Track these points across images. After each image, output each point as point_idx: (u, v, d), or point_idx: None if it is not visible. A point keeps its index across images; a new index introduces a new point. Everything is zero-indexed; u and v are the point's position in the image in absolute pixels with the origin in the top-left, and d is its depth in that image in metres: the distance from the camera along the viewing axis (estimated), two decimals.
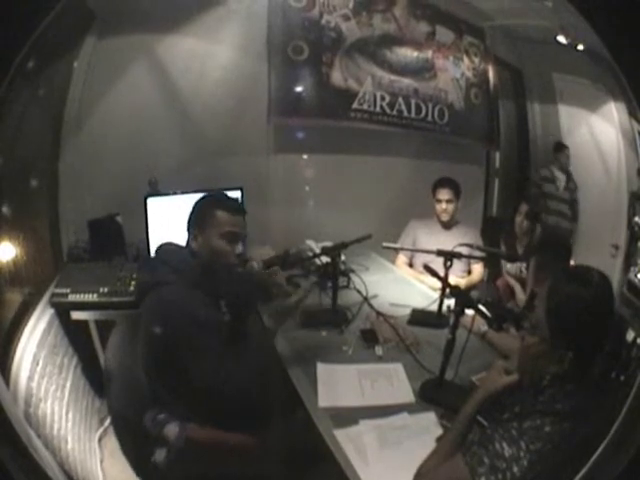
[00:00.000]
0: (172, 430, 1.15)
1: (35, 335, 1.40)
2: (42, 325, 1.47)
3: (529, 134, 2.37)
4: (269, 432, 1.22)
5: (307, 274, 1.67)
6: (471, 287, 1.97)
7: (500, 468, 0.81)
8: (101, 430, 1.60)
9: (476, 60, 2.29)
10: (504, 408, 0.91)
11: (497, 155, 2.39)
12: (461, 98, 2.22)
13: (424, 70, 2.16)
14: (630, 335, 1.56)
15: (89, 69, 1.78)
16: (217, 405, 1.16)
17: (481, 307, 1.22)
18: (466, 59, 2.26)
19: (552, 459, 0.81)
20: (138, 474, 1.27)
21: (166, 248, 1.29)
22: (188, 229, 1.26)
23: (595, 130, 2.20)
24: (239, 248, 1.25)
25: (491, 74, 2.32)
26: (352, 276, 1.74)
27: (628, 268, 1.91)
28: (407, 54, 2.14)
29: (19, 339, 1.32)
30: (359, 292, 1.67)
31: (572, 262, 1.58)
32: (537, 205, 2.18)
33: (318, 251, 1.67)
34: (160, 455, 1.16)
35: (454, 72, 2.22)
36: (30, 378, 1.28)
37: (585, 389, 0.84)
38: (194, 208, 1.27)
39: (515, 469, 0.80)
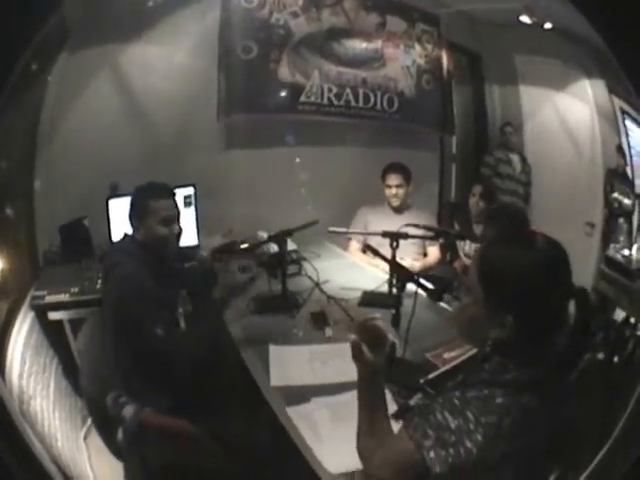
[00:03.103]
0: (128, 412, 1.32)
1: (21, 336, 1.59)
2: (25, 327, 1.66)
3: (487, 118, 2.48)
4: (220, 421, 1.37)
5: (259, 263, 1.82)
6: (427, 270, 2.11)
7: (449, 441, 0.77)
8: (85, 429, 1.73)
9: (429, 47, 2.42)
10: (448, 376, 0.96)
11: (453, 140, 2.51)
12: (412, 85, 2.36)
13: (373, 60, 2.31)
14: (619, 315, 1.64)
15: (61, 83, 1.95)
16: (170, 381, 1.35)
17: (421, 280, 1.33)
18: (418, 47, 2.39)
19: (522, 439, 0.77)
20: (114, 454, 1.47)
21: (122, 239, 1.53)
22: (130, 223, 1.48)
23: (563, 110, 2.29)
24: (176, 228, 1.48)
25: (445, 60, 2.45)
26: (304, 263, 1.90)
27: (607, 245, 1.99)
28: (356, 46, 2.28)
29: (9, 339, 1.51)
30: (310, 278, 1.83)
31: None
32: (491, 185, 2.31)
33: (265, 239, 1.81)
34: (120, 434, 1.34)
35: (404, 60, 2.36)
36: (20, 376, 1.46)
37: (541, 363, 0.80)
38: (131, 203, 1.49)
39: (468, 444, 0.76)
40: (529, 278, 0.80)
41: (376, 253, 1.62)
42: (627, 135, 1.95)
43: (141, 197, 1.47)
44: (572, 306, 0.83)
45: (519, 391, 0.78)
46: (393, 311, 1.48)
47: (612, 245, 1.97)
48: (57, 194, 2.00)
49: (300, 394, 1.23)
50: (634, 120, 1.84)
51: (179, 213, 1.50)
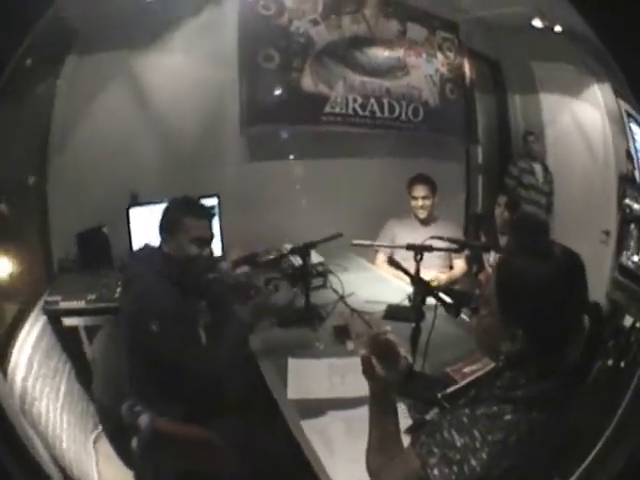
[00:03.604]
0: (143, 421, 1.30)
1: (30, 339, 1.59)
2: (36, 330, 1.66)
3: (510, 126, 2.46)
4: (234, 430, 1.34)
5: (284, 276, 1.80)
6: (453, 282, 2.07)
7: (454, 460, 0.76)
8: (95, 433, 1.72)
9: (450, 55, 2.41)
10: (460, 393, 0.93)
11: (479, 150, 2.48)
12: (436, 94, 2.35)
13: (396, 69, 2.30)
14: (628, 320, 1.61)
15: (71, 87, 1.95)
16: (187, 397, 1.31)
17: (441, 295, 1.30)
18: (440, 55, 2.39)
19: (527, 453, 0.76)
20: (125, 463, 1.42)
21: (144, 249, 1.49)
22: (160, 234, 1.44)
23: (579, 115, 2.28)
24: (208, 251, 1.44)
25: (467, 68, 2.44)
26: (329, 276, 1.87)
27: (620, 252, 1.94)
28: (378, 54, 2.28)
29: (15, 342, 1.49)
30: (335, 291, 1.79)
31: None
32: (515, 195, 2.28)
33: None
34: (134, 443, 1.32)
35: (427, 69, 2.35)
36: (25, 379, 1.45)
37: (553, 376, 0.79)
38: (163, 214, 1.45)
39: (473, 462, 0.75)
40: (541, 293, 0.79)
41: (398, 266, 1.56)
42: (634, 140, 1.91)
43: (176, 211, 1.42)
44: (585, 319, 0.82)
45: (528, 407, 0.77)
46: (413, 325, 1.42)
47: (624, 252, 1.93)
48: (72, 201, 1.98)
49: (316, 407, 1.22)
50: (637, 122, 1.81)
51: (213, 235, 1.46)
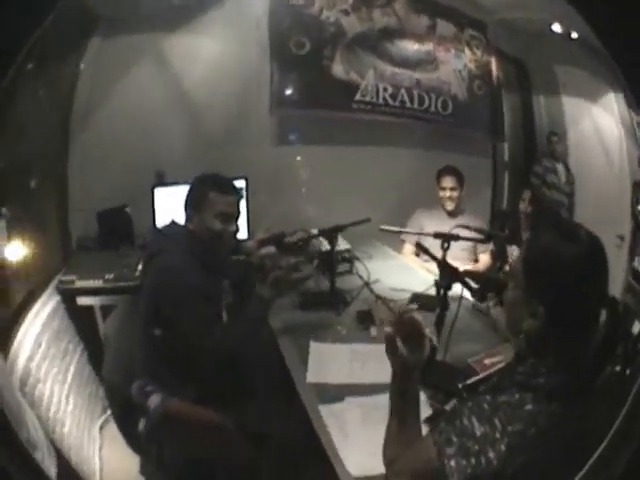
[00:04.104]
0: (154, 401, 1.25)
1: (39, 319, 1.55)
2: (47, 310, 1.62)
3: (535, 126, 2.47)
4: (247, 414, 1.32)
5: (310, 260, 1.77)
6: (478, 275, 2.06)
7: (472, 450, 0.75)
8: (103, 418, 1.71)
9: (478, 52, 2.43)
10: (480, 384, 0.91)
11: (505, 148, 2.50)
12: (464, 89, 2.37)
13: (426, 62, 2.31)
14: (636, 327, 1.63)
15: (96, 69, 1.96)
16: (203, 372, 1.29)
17: (466, 279, 1.29)
18: (468, 51, 2.41)
19: (543, 447, 0.75)
20: (131, 447, 1.41)
21: (170, 225, 1.47)
22: (185, 210, 1.42)
23: (597, 121, 2.31)
24: (233, 227, 1.41)
25: (494, 66, 2.46)
26: (356, 262, 1.86)
27: (633, 257, 1.97)
28: (408, 47, 2.29)
29: (23, 321, 1.46)
30: (361, 277, 1.79)
31: None
32: (540, 193, 2.28)
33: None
34: (141, 424, 1.28)
35: (456, 64, 2.37)
36: (30, 358, 1.41)
37: (572, 369, 0.79)
38: (189, 190, 1.43)
39: (491, 454, 0.73)
40: (567, 273, 0.80)
41: (425, 251, 1.56)
42: None
43: (201, 186, 1.40)
44: (602, 316, 0.82)
45: (548, 398, 0.77)
46: (438, 311, 1.39)
47: (637, 257, 1.96)
48: (93, 179, 1.95)
49: (335, 392, 1.21)
50: None
51: (239, 212, 1.43)
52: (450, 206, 2.10)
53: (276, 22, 2.13)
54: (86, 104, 1.96)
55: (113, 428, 1.61)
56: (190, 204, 1.40)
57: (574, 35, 2.05)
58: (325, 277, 1.73)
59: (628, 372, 1.35)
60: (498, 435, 0.74)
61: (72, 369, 1.66)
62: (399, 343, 0.84)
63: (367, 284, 1.74)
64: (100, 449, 1.59)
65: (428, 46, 2.31)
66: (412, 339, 0.85)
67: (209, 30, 2.05)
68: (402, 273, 1.95)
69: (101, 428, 1.68)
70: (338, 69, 2.16)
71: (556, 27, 2.12)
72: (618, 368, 1.38)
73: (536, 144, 2.46)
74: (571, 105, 2.40)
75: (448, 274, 1.37)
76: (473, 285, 1.28)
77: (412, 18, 2.32)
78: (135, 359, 1.38)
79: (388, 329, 0.86)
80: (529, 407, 0.75)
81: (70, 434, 1.47)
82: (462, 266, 2.02)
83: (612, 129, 2.18)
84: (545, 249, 0.83)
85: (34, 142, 1.64)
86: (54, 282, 1.71)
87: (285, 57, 2.12)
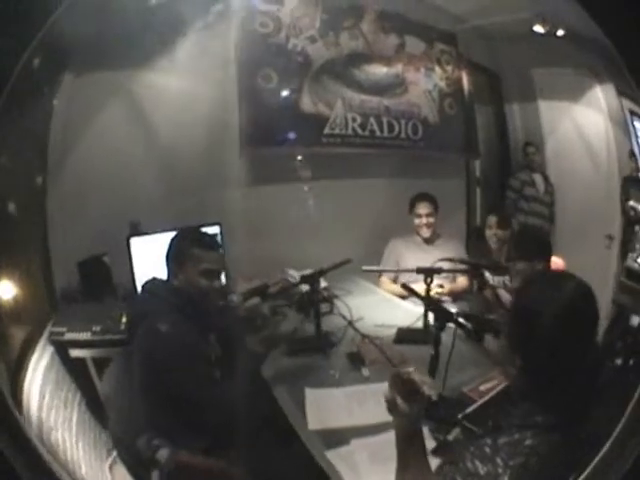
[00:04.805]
0: (163, 455, 1.30)
1: (39, 370, 1.58)
2: (44, 361, 1.65)
3: (509, 138, 2.46)
4: (254, 460, 1.35)
5: (290, 304, 1.82)
6: (455, 295, 2.11)
7: None
8: (110, 460, 1.73)
9: (449, 68, 2.41)
10: (485, 409, 0.98)
11: (477, 164, 2.50)
12: (435, 110, 2.36)
13: (395, 86, 2.30)
14: (635, 320, 1.61)
15: (68, 108, 1.92)
16: (207, 431, 1.33)
17: (460, 320, 1.33)
18: (438, 69, 2.39)
19: (545, 470, 0.80)
20: None
21: (153, 282, 1.48)
22: (167, 265, 1.44)
23: (580, 120, 2.29)
24: (218, 283, 1.43)
25: (465, 81, 2.45)
26: (335, 301, 1.89)
27: (625, 256, 1.96)
28: (376, 71, 2.28)
29: (26, 372, 1.49)
30: (343, 317, 1.81)
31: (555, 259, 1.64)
32: (512, 210, 2.29)
33: (296, 278, 1.82)
34: (155, 477, 1.33)
35: (426, 84, 2.35)
36: (40, 409, 1.45)
37: (565, 406, 0.82)
38: (171, 245, 1.45)
39: None
40: (548, 329, 0.81)
41: (412, 292, 1.62)
42: (637, 137, 1.92)
43: (184, 242, 1.42)
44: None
45: (551, 430, 0.80)
46: (432, 352, 1.44)
47: (630, 255, 1.95)
48: (71, 228, 1.96)
49: (339, 436, 1.23)
50: None
51: (223, 268, 1.47)
52: (427, 233, 2.13)
53: (244, 55, 2.10)
54: (60, 147, 1.95)
55: (122, 468, 1.61)
56: (173, 260, 1.42)
57: (560, 32, 2.02)
58: (308, 320, 1.74)
59: (632, 362, 1.40)
60: (500, 470, 0.79)
61: (75, 418, 1.70)
62: (399, 401, 0.89)
63: (350, 323, 1.76)
64: None
65: (397, 68, 2.29)
66: (411, 396, 0.90)
67: (177, 67, 2.01)
68: (383, 307, 1.99)
69: (110, 468, 1.69)
70: (306, 102, 2.15)
71: (537, 28, 2.08)
72: (619, 361, 1.42)
73: (510, 157, 2.47)
74: (549, 110, 2.37)
75: (440, 314, 1.41)
76: (468, 326, 1.31)
77: (380, 39, 2.29)
78: (138, 415, 1.41)
79: (387, 392, 0.91)
80: (529, 442, 0.80)
81: (87, 474, 1.51)
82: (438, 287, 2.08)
83: (598, 126, 2.16)
84: (528, 304, 0.85)
85: (13, 183, 1.68)
86: (47, 332, 1.73)
87: (253, 92, 2.11)
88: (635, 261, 1.87)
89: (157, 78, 2.02)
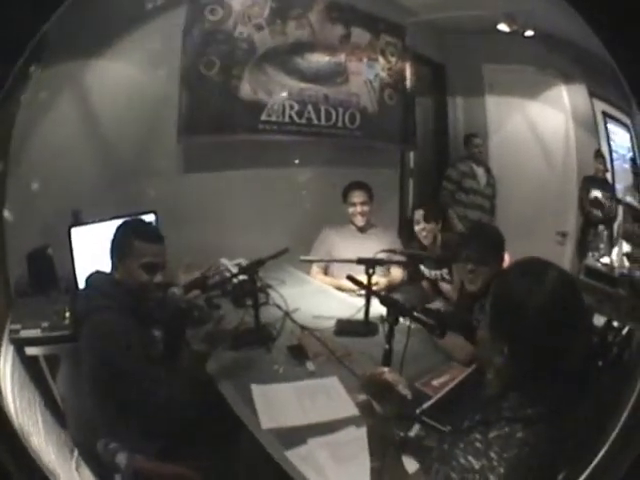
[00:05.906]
0: (121, 459, 1.27)
1: (6, 373, 1.54)
2: (9, 363, 1.59)
3: (448, 130, 2.52)
4: (213, 462, 1.31)
5: (225, 294, 1.77)
6: (393, 287, 2.12)
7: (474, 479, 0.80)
8: (74, 460, 1.65)
9: (392, 60, 2.45)
10: (462, 416, 0.91)
11: (411, 155, 2.56)
12: (374, 100, 2.40)
13: (336, 75, 2.33)
14: (600, 320, 1.64)
15: (31, 102, 1.84)
16: (157, 432, 1.31)
17: (417, 314, 1.25)
18: (381, 59, 2.42)
19: (537, 460, 0.81)
20: None
21: (95, 276, 1.45)
22: (110, 258, 1.41)
23: (534, 118, 2.34)
24: (158, 277, 1.39)
25: (408, 72, 2.48)
26: (270, 291, 1.83)
27: (584, 254, 2.03)
28: (319, 60, 2.30)
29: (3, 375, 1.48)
30: (279, 307, 1.75)
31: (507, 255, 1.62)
32: (449, 201, 2.37)
33: (232, 268, 1.81)
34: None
35: (367, 74, 2.39)
36: (16, 413, 1.39)
37: (554, 397, 0.83)
38: (113, 237, 1.41)
39: (491, 477, 0.79)
40: (532, 318, 0.82)
41: (359, 284, 1.57)
42: (608, 139, 1.98)
43: (126, 234, 1.38)
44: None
45: (539, 422, 0.82)
46: (386, 347, 1.29)
47: (590, 254, 2.02)
48: (24, 220, 1.95)
49: (295, 436, 1.18)
50: (618, 122, 1.84)
51: (165, 263, 1.41)
52: (361, 222, 2.14)
53: (189, 42, 2.09)
54: (20, 141, 1.89)
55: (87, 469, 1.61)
56: (115, 252, 1.38)
57: (528, 33, 2.05)
58: (247, 312, 1.63)
59: (601, 364, 1.45)
60: (495, 463, 0.79)
61: (40, 419, 1.62)
62: (375, 405, 0.89)
63: (287, 314, 1.71)
64: None
65: (340, 58, 2.32)
66: (386, 396, 0.90)
67: (123, 55, 1.99)
68: (320, 298, 1.95)
69: (77, 469, 1.60)
70: (246, 89, 2.15)
71: (502, 26, 2.12)
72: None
73: (449, 149, 2.55)
74: (497, 105, 2.41)
75: (394, 309, 1.31)
76: (429, 321, 1.22)
77: (327, 29, 2.30)
78: (94, 417, 1.39)
79: (361, 396, 0.91)
80: (520, 434, 0.80)
81: (65, 477, 1.48)
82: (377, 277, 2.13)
83: (557, 124, 2.20)
84: (509, 290, 0.85)
85: None
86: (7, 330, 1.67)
87: (194, 79, 2.10)
88: (598, 260, 1.92)
89: (102, 66, 1.99)
